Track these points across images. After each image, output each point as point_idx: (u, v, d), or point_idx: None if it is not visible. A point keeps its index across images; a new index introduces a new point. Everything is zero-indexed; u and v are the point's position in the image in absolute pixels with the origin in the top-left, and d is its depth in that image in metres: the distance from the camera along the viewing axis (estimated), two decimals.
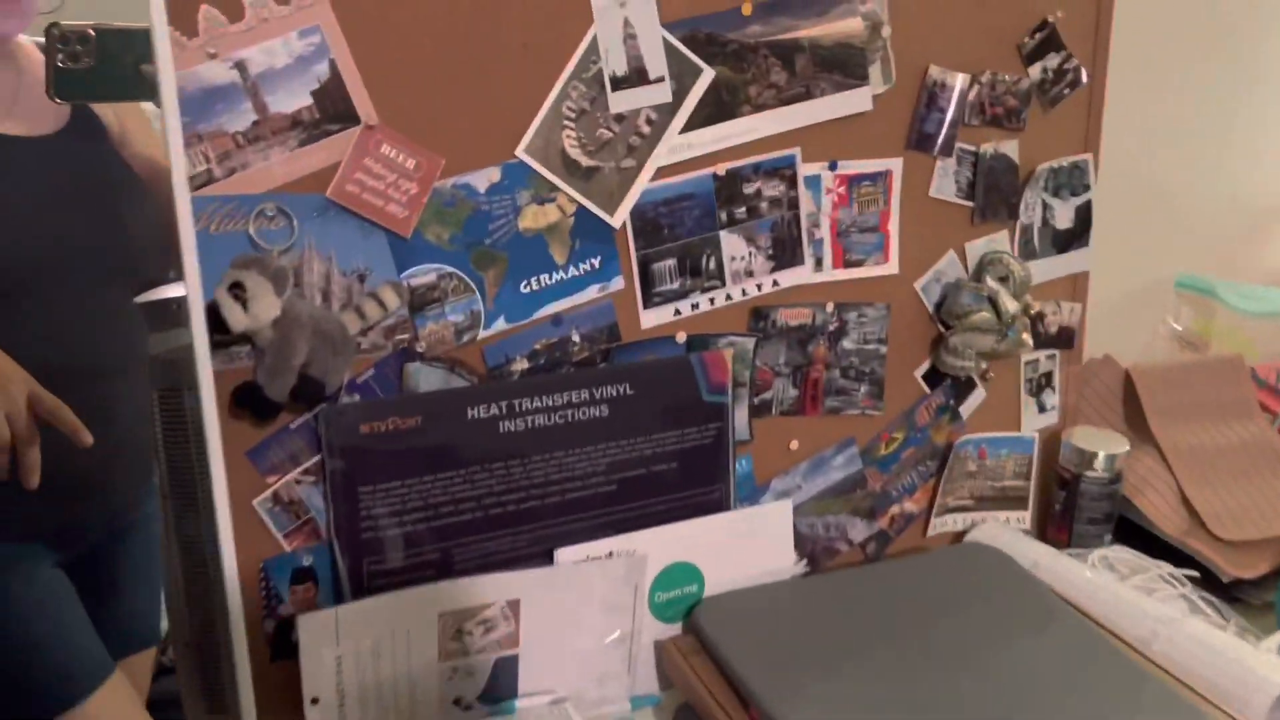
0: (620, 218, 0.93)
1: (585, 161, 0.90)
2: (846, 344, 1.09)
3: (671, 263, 0.97)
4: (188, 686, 1.84)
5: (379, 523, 0.85)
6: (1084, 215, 1.19)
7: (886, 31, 1.01)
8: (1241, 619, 1.09)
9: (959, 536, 1.22)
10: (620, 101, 0.90)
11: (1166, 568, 1.14)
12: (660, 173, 0.94)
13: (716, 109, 0.95)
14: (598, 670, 0.94)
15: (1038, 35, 1.10)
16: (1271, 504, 1.24)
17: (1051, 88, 1.12)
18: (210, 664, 1.80)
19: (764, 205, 1.00)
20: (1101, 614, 1.03)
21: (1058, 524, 1.23)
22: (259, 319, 0.75)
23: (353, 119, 0.81)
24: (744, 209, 0.99)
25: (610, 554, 0.94)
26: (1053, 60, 1.11)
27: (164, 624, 1.72)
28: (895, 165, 1.06)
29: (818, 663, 0.90)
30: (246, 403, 0.78)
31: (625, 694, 0.97)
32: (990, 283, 1.11)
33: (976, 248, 1.14)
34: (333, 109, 0.80)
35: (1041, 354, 1.23)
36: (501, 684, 0.90)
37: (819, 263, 1.05)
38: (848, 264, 1.06)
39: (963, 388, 1.18)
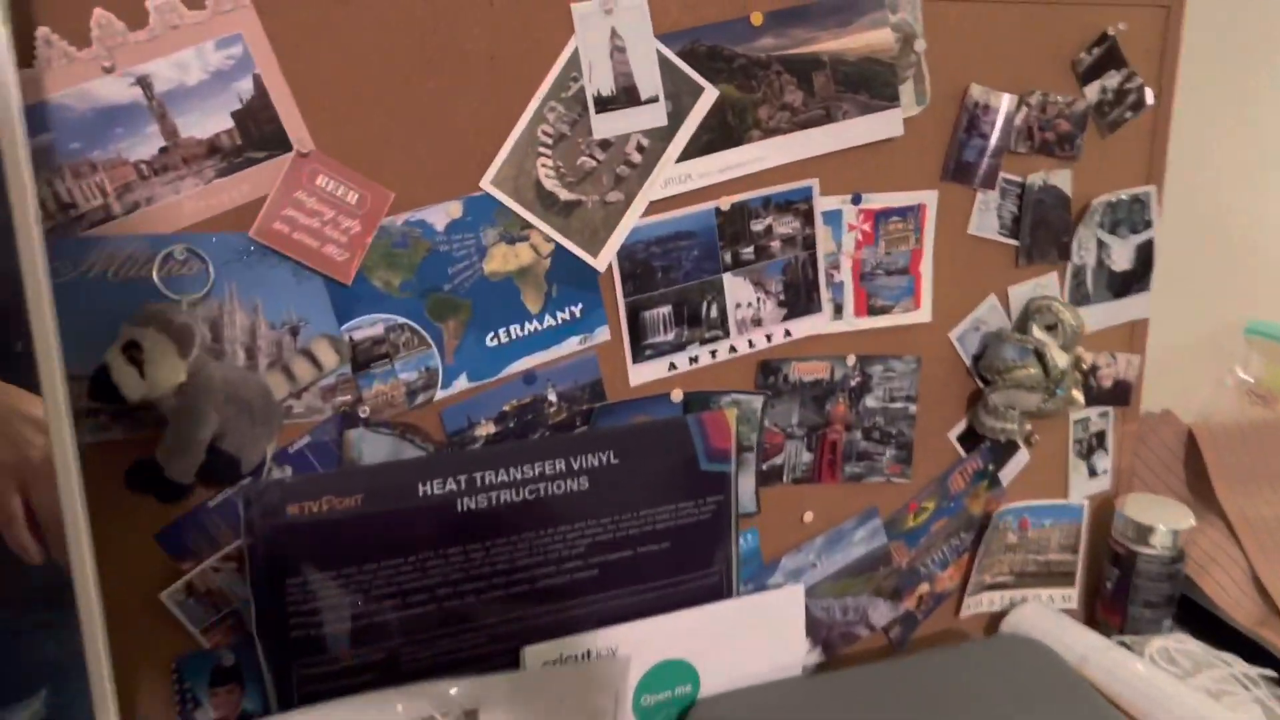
0: (606, 259, 0.80)
1: (564, 194, 0.77)
2: (870, 402, 0.95)
3: (666, 310, 0.84)
4: None
5: (311, 619, 0.72)
6: (1144, 255, 1.04)
7: (921, 45, 0.87)
8: None
9: (996, 618, 1.07)
10: (606, 125, 0.77)
11: (1238, 664, 0.99)
12: (653, 207, 0.81)
13: (720, 134, 0.81)
14: None
15: (1096, 50, 0.95)
16: None
17: (1111, 110, 0.98)
18: None
19: (775, 244, 0.86)
20: None
21: (1109, 605, 1.08)
22: (158, 385, 0.63)
23: (282, 145, 0.68)
24: (751, 249, 0.85)
25: (588, 653, 0.80)
26: (1113, 79, 0.97)
27: None
28: (929, 198, 0.92)
29: None
30: (143, 485, 0.65)
31: None
32: (1037, 333, 0.97)
33: (1021, 292, 0.99)
34: (258, 133, 0.67)
35: (1093, 411, 1.08)
36: None
37: (838, 309, 0.91)
38: (872, 311, 0.93)
39: (1003, 450, 1.04)
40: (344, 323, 0.72)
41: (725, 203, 0.83)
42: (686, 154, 0.81)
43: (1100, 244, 1.02)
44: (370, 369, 0.74)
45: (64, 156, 0.63)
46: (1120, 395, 1.08)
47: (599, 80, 0.76)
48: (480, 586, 0.78)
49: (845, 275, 0.91)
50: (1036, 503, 1.06)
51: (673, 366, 0.85)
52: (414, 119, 0.71)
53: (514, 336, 0.78)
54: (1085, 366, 0.99)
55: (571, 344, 0.81)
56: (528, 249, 0.77)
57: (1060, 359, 0.96)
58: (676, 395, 0.86)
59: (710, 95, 0.80)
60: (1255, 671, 0.98)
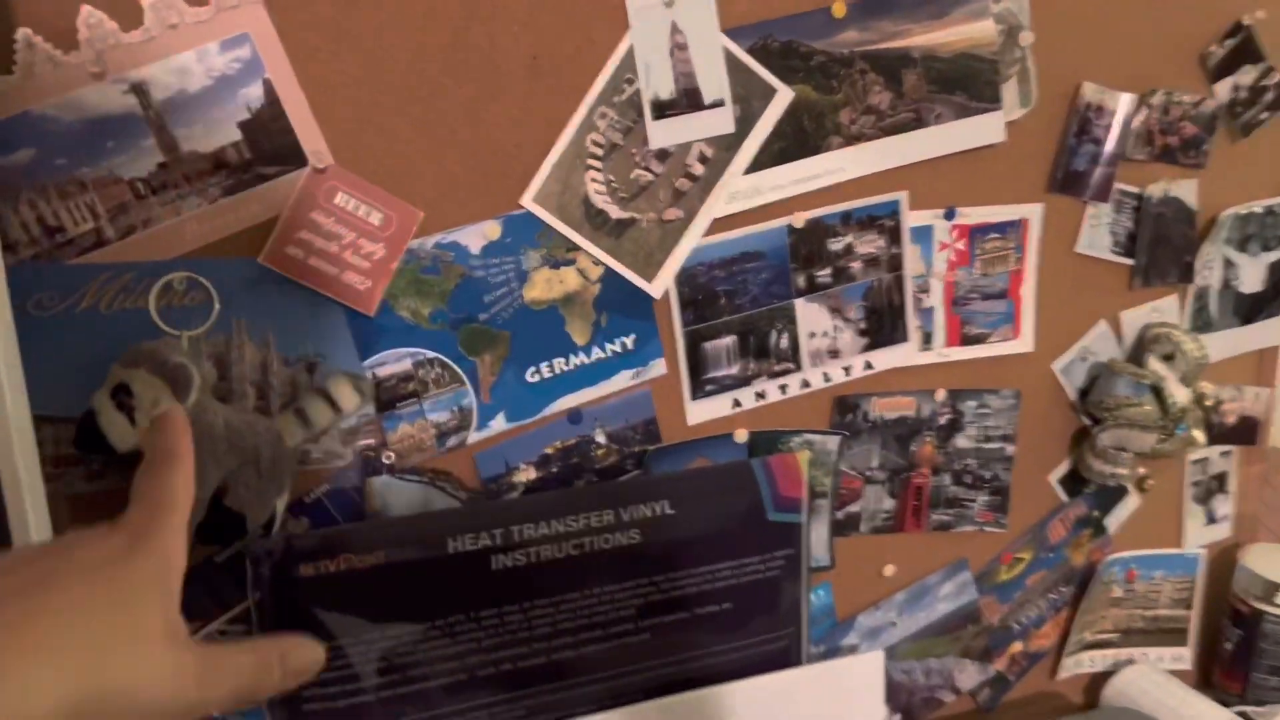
0: (663, 284, 0.71)
1: (616, 212, 0.68)
2: (961, 442, 0.84)
3: (729, 341, 0.74)
4: None
5: (326, 691, 0.65)
6: (1278, 275, 0.91)
7: (1027, 38, 0.76)
8: None
9: (1097, 680, 0.96)
10: (664, 133, 0.68)
11: None
12: (717, 225, 0.71)
13: (795, 142, 0.72)
14: None
15: (1229, 42, 0.83)
16: None
17: (1244, 111, 0.85)
18: None
19: (856, 265, 0.76)
20: None
21: (1229, 669, 0.96)
22: None
23: (296, 159, 0.60)
24: (828, 270, 0.75)
25: None
26: (1247, 75, 0.84)
27: None
28: (1033, 213, 0.81)
29: None
30: None
31: None
32: (1153, 364, 0.85)
33: (1136, 318, 0.88)
34: (269, 146, 0.60)
35: (1214, 450, 0.96)
36: None
37: (927, 338, 0.80)
38: (966, 340, 0.82)
39: (1110, 494, 0.92)
40: (367, 358, 0.64)
41: (799, 219, 0.74)
42: (756, 165, 0.71)
43: (1228, 263, 0.90)
44: (396, 409, 0.66)
45: (49, 174, 0.56)
46: (1246, 433, 0.96)
47: (657, 82, 0.67)
48: (518, 654, 0.69)
49: (936, 300, 0.80)
50: (1146, 552, 0.95)
51: (737, 404, 0.76)
52: (445, 129, 0.63)
53: (558, 371, 0.70)
54: (1208, 403, 0.87)
55: (623, 379, 0.72)
56: (574, 274, 0.68)
57: (1180, 394, 0.85)
58: (741, 436, 0.76)
59: (784, 97, 0.70)
60: None
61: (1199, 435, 0.87)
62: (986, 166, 0.78)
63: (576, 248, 0.68)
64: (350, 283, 0.62)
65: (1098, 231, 0.84)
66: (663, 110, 0.68)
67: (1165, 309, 0.89)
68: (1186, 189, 0.86)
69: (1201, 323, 0.91)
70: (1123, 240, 0.85)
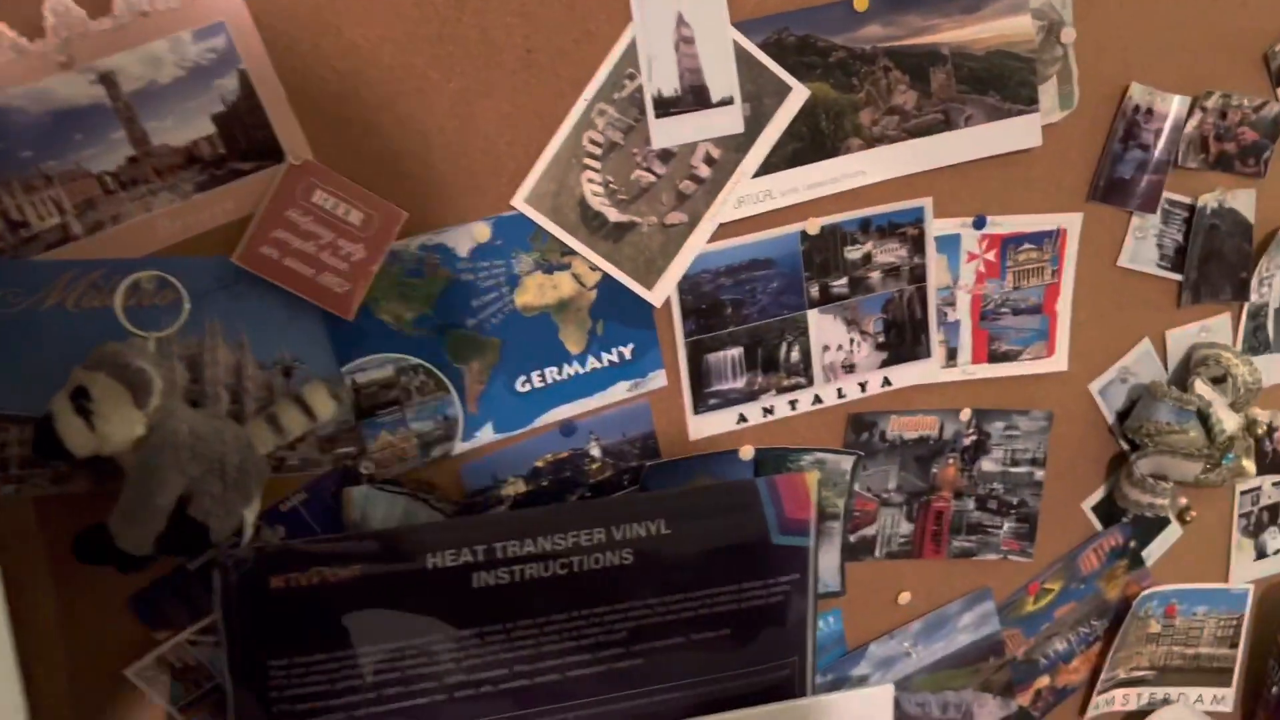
0: (663, 292, 0.67)
1: (615, 215, 0.64)
2: (987, 465, 0.79)
3: (736, 352, 0.70)
4: None
5: (297, 708, 0.62)
6: None
7: (1069, 35, 0.71)
8: None
9: None
10: (668, 132, 0.64)
11: None
12: (724, 231, 0.67)
13: (811, 143, 0.67)
14: None
15: None
16: None
17: None
18: None
19: (875, 276, 0.72)
20: None
21: (1274, 713, 0.90)
22: (110, 440, 0.53)
23: (273, 155, 0.57)
24: (845, 280, 0.71)
25: None
26: None
27: None
28: (1071, 222, 0.75)
29: None
30: (93, 555, 0.56)
31: None
32: (1200, 388, 0.79)
33: (1183, 338, 0.82)
34: (244, 140, 0.57)
35: (1266, 480, 0.89)
36: None
37: (952, 355, 0.76)
38: (994, 357, 0.77)
39: (1149, 524, 0.86)
40: (346, 363, 0.62)
41: (814, 225, 0.69)
42: (767, 167, 0.67)
43: None
44: (377, 417, 0.63)
45: (13, 167, 0.53)
46: None
47: (661, 78, 0.63)
48: (499, 676, 0.66)
49: (962, 313, 0.75)
50: (1188, 586, 0.89)
51: (743, 419, 0.72)
52: (432, 125, 0.60)
53: (550, 381, 0.66)
54: (1260, 431, 0.80)
55: (619, 390, 0.68)
56: (569, 279, 0.65)
57: (1229, 421, 0.78)
58: (746, 453, 0.72)
59: (799, 96, 0.66)
60: None
61: (1249, 465, 0.81)
62: (1021, 173, 0.73)
63: (572, 252, 0.64)
64: (328, 285, 0.59)
65: (1143, 244, 0.78)
66: (666, 108, 0.64)
67: (1216, 329, 0.82)
68: (1244, 200, 0.79)
69: (1257, 343, 0.84)
70: (1170, 254, 0.79)
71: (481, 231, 0.62)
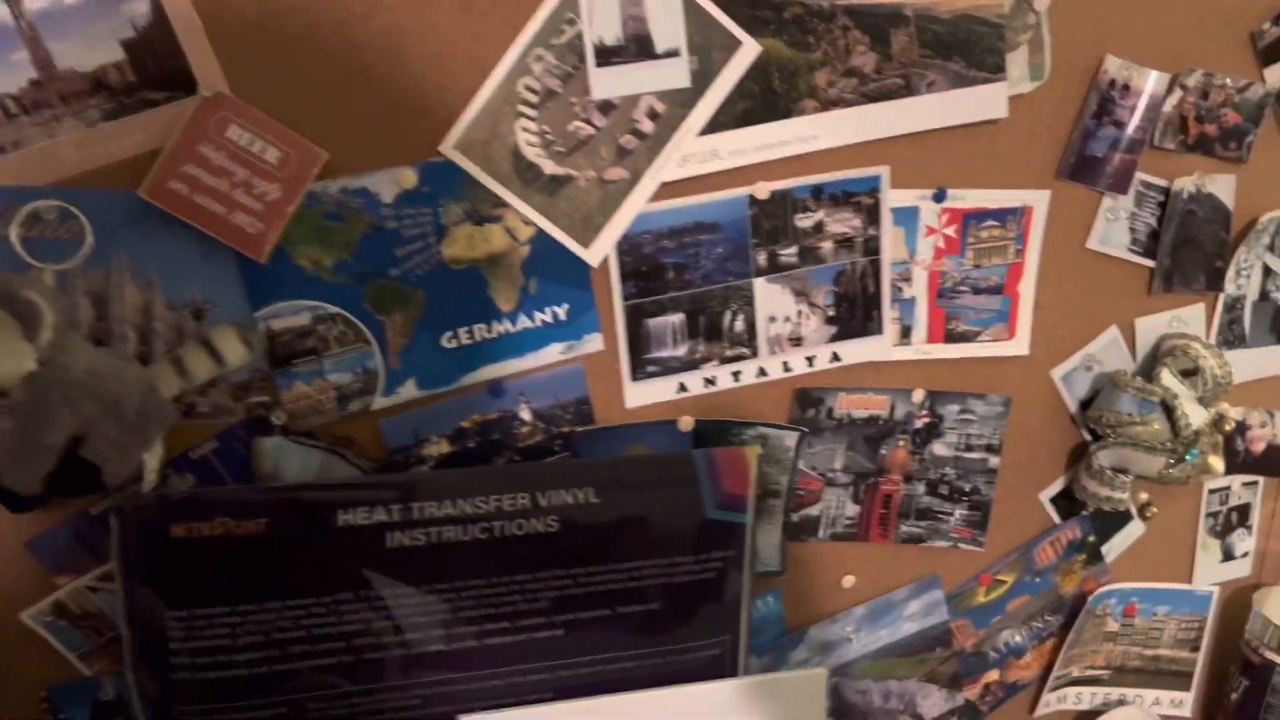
0: (601, 251, 0.64)
1: (550, 167, 0.62)
2: (940, 449, 0.76)
3: (677, 319, 0.67)
4: None
5: (197, 661, 0.60)
6: None
7: (1043, 2, 0.67)
8: None
9: None
10: (609, 82, 0.61)
11: None
12: (667, 190, 0.64)
13: (762, 102, 0.64)
14: None
15: None
16: None
17: None
18: None
19: (826, 246, 0.69)
20: None
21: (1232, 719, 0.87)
22: None
23: (186, 85, 0.55)
24: (794, 249, 0.68)
25: None
26: None
27: None
28: (1038, 200, 0.72)
29: None
30: None
31: None
32: (1167, 380, 0.76)
33: (1153, 326, 0.79)
34: (155, 69, 0.54)
35: (1236, 480, 0.86)
36: None
37: (906, 332, 0.73)
38: (951, 337, 0.74)
39: (1110, 519, 0.83)
40: (260, 308, 0.59)
41: (763, 190, 0.66)
42: (715, 125, 0.64)
43: (1267, 271, 0.80)
44: (292, 366, 0.61)
45: None
46: (1273, 464, 0.86)
47: (602, 24, 0.60)
48: (411, 640, 0.64)
49: (918, 290, 0.72)
50: (1150, 585, 0.86)
51: (683, 388, 0.69)
52: (357, 62, 0.57)
53: (478, 339, 0.64)
54: (1228, 428, 0.77)
55: (552, 352, 0.66)
56: (500, 232, 0.62)
57: (1195, 415, 0.75)
58: (686, 424, 0.70)
59: (750, 51, 0.63)
60: None
61: (1215, 462, 0.78)
62: (986, 145, 0.70)
63: (504, 204, 0.62)
64: (240, 224, 0.57)
65: (1114, 227, 0.75)
66: (608, 57, 0.61)
67: (1188, 319, 0.79)
68: (1223, 185, 0.76)
69: (1232, 337, 0.81)
70: (1143, 238, 0.76)
71: (407, 177, 0.60)
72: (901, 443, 0.75)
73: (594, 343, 0.66)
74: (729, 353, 0.69)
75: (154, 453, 0.57)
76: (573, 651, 0.68)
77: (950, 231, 0.72)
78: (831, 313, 0.70)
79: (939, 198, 0.70)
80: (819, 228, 0.68)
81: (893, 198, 0.69)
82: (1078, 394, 0.78)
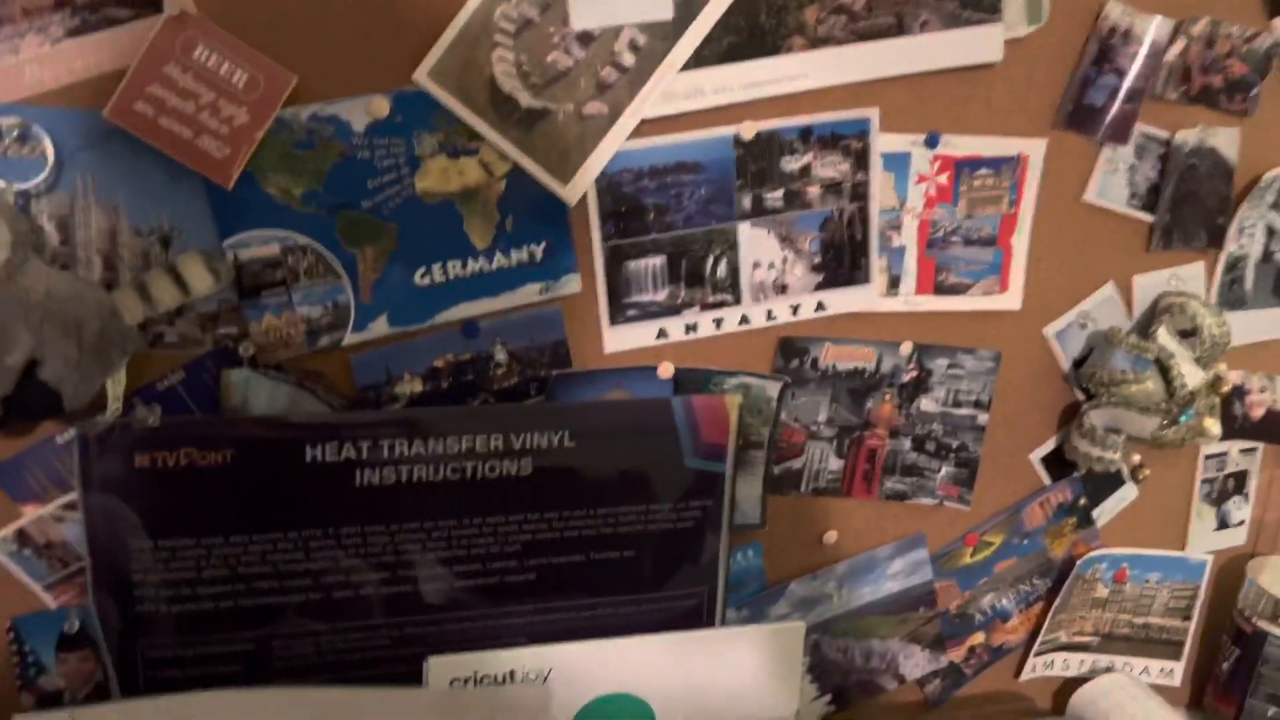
0: (579, 189, 0.63)
1: (527, 100, 0.60)
2: (927, 404, 0.75)
3: (658, 261, 0.66)
4: None
5: (160, 593, 0.60)
6: None
7: None
8: None
9: (1069, 686, 0.86)
10: (589, 12, 0.60)
11: None
12: (648, 127, 0.63)
13: (748, 38, 0.62)
14: None
15: None
16: None
17: None
18: None
19: (813, 190, 0.67)
20: None
21: (1223, 691, 0.86)
22: None
23: (152, 2, 0.54)
24: (780, 193, 0.66)
25: (510, 674, 0.65)
26: None
27: None
28: (1034, 149, 0.70)
29: None
30: None
31: None
32: (1164, 338, 0.74)
33: (1151, 284, 0.77)
34: None
35: (1234, 445, 0.85)
36: None
37: (894, 282, 0.71)
38: (941, 289, 0.72)
39: (1103, 481, 0.82)
40: (227, 236, 0.58)
41: (748, 130, 0.65)
42: (699, 60, 0.62)
43: (1270, 230, 0.78)
44: (261, 298, 0.60)
45: None
46: (1273, 429, 0.84)
47: None
48: (380, 578, 0.63)
49: (908, 239, 0.70)
50: (1142, 552, 0.84)
51: (663, 334, 0.68)
52: None
53: (452, 276, 0.63)
54: (1225, 389, 0.75)
55: (529, 292, 0.64)
56: (475, 166, 0.61)
57: (1191, 375, 0.74)
58: (665, 370, 0.68)
59: None
60: None
61: (1211, 425, 0.76)
62: (981, 91, 0.68)
63: (479, 137, 0.60)
64: (206, 148, 0.56)
65: (1113, 179, 0.73)
66: None
67: (1188, 277, 0.77)
68: (1226, 139, 0.74)
69: (1233, 298, 0.79)
70: (1142, 192, 0.74)
71: (379, 106, 0.58)
72: (888, 396, 0.74)
73: (572, 284, 0.65)
74: (711, 299, 0.68)
75: (117, 380, 0.56)
76: (546, 597, 0.67)
77: (942, 179, 0.70)
78: (817, 260, 0.69)
79: (931, 143, 0.68)
80: (806, 171, 0.67)
81: (883, 142, 0.67)
82: (1071, 352, 0.77)
